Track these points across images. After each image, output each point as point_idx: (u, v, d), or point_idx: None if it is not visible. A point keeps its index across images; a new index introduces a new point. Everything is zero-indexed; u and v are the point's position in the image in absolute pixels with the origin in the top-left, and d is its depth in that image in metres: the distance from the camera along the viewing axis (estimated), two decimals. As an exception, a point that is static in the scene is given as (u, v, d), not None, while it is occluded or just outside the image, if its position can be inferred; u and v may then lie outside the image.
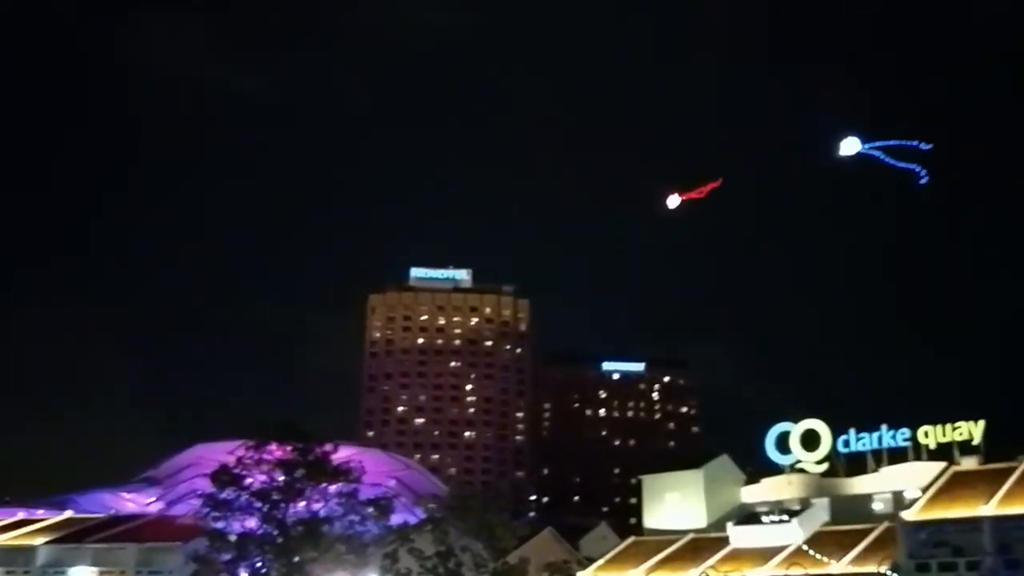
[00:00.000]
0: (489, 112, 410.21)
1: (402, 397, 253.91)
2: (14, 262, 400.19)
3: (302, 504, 77.48)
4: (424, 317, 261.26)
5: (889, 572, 63.82)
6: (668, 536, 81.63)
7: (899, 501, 74.86)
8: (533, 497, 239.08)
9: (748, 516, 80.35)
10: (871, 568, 65.21)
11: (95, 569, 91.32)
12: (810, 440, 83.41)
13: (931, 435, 77.81)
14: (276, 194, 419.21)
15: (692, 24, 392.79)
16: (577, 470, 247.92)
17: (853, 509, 77.11)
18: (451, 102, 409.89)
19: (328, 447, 79.66)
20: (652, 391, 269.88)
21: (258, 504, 76.77)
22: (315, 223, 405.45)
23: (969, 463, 73.53)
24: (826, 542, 71.22)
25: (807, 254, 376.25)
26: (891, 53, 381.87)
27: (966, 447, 75.64)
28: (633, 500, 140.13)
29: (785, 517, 75.63)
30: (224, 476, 77.35)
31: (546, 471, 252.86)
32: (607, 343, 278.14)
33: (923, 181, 46.62)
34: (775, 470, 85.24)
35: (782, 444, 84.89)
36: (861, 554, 67.65)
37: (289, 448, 78.05)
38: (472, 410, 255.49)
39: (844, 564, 66.89)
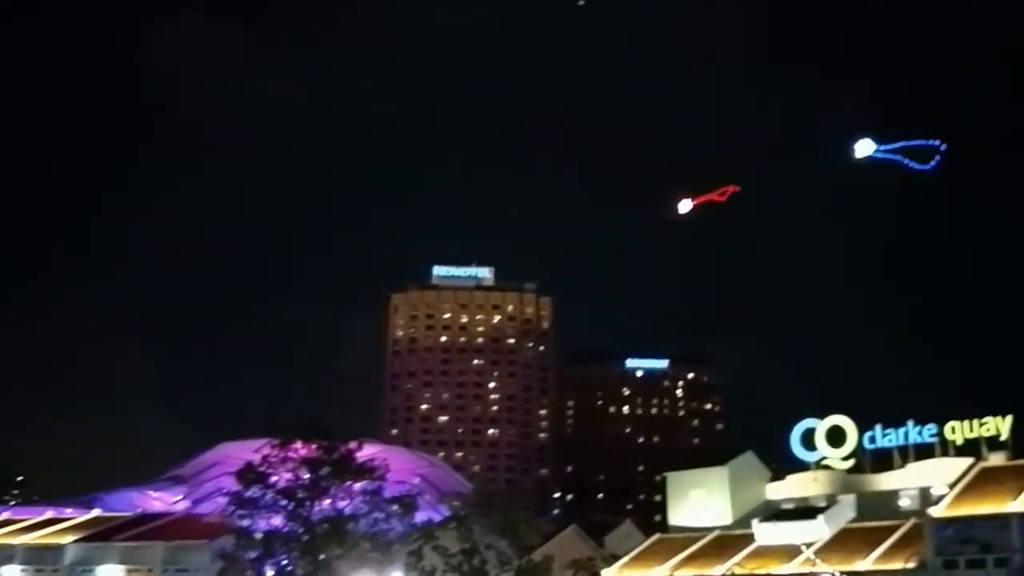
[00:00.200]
0: (497, 112, 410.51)
1: (425, 395, 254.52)
2: (40, 264, 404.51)
3: (327, 502, 77.71)
4: (447, 315, 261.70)
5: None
6: (693, 533, 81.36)
7: (926, 497, 74.29)
8: (557, 495, 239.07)
9: (774, 513, 79.99)
10: (898, 565, 64.79)
11: (123, 567, 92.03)
12: (836, 436, 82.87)
13: (958, 431, 77.16)
14: (296, 194, 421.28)
15: (692, 24, 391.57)
16: (601, 467, 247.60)
17: (880, 506, 76.56)
18: (464, 101, 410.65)
19: (352, 445, 79.92)
20: (676, 388, 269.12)
21: (283, 502, 77.08)
22: (339, 223, 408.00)
23: (997, 459, 72.89)
24: (852, 539, 70.76)
25: (827, 253, 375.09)
26: (891, 52, 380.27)
27: (994, 443, 74.95)
28: (658, 497, 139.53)
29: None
30: (250, 474, 77.72)
31: (570, 469, 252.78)
32: (630, 341, 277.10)
33: (932, 166, 46.33)
34: (800, 467, 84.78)
35: (807, 440, 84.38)
36: (888, 551, 67.17)
37: (314, 446, 78.31)
38: (495, 408, 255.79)
39: (871, 561, 66.45)
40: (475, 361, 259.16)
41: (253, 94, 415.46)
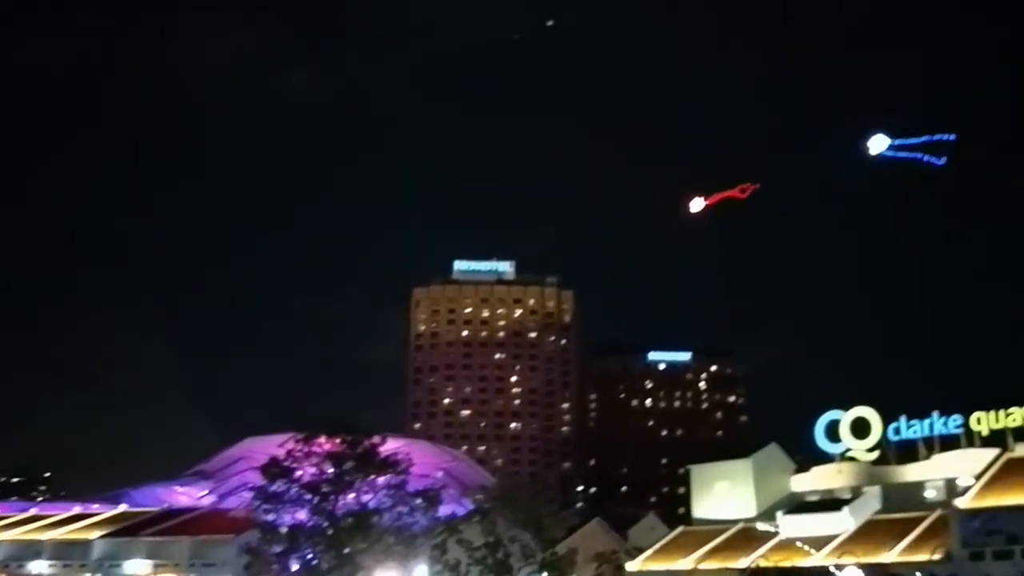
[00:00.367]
0: (518, 106, 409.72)
1: (448, 389, 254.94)
2: (68, 263, 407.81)
3: (351, 496, 78.07)
4: (468, 310, 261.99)
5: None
6: (718, 526, 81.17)
7: (952, 489, 73.81)
8: (580, 488, 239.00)
9: (798, 505, 79.69)
10: (924, 557, 64.42)
11: (149, 562, 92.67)
12: (860, 428, 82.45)
13: (984, 421, 76.61)
14: (317, 189, 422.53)
15: (696, 24, 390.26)
16: (624, 461, 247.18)
17: (905, 497, 76.14)
18: (485, 95, 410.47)
19: (376, 439, 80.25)
20: (699, 381, 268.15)
21: (308, 496, 77.49)
22: (361, 218, 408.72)
23: (1023, 449, 72.29)
24: (878, 531, 70.45)
25: (847, 248, 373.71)
26: (895, 51, 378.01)
27: (1020, 433, 74.40)
28: (681, 490, 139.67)
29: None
30: (274, 469, 78.18)
31: (593, 462, 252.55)
32: (652, 334, 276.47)
33: (941, 163, 46.10)
34: (825, 459, 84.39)
35: (832, 432, 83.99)
36: (913, 543, 66.80)
37: (338, 441, 78.63)
38: (518, 402, 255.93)
39: (896, 553, 66.11)
40: (497, 355, 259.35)
41: (276, 87, 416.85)
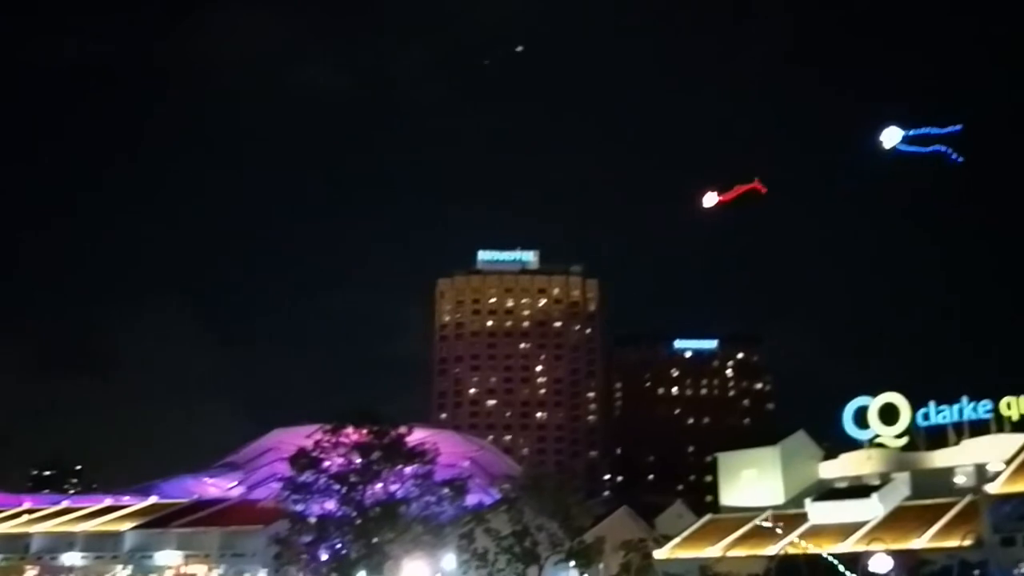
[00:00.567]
0: (537, 98, 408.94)
1: (473, 379, 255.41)
2: (95, 259, 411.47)
3: (379, 486, 78.35)
4: (492, 300, 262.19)
5: None
6: (745, 513, 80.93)
7: (982, 474, 73.19)
8: (607, 477, 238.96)
9: (827, 492, 79.32)
10: (954, 543, 63.94)
11: (180, 553, 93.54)
12: (889, 414, 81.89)
13: (1014, 406, 75.90)
14: (340, 182, 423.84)
15: (710, 23, 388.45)
16: (651, 449, 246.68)
17: (934, 483, 75.59)
18: (503, 86, 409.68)
19: (403, 430, 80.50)
20: (725, 368, 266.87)
21: (336, 487, 77.85)
22: (385, 210, 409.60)
23: (1054, 434, 71.65)
24: (907, 517, 70.01)
25: (872, 236, 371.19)
26: (905, 47, 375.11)
27: (1051, 418, 73.76)
28: (708, 478, 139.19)
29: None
30: (303, 460, 78.58)
31: (619, 451, 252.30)
32: (678, 323, 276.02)
33: (957, 159, 45.61)
34: (853, 445, 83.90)
35: (860, 419, 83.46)
36: (943, 529, 66.33)
37: (365, 431, 78.93)
38: (543, 391, 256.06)
39: (926, 539, 65.70)
40: (522, 345, 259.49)
41: (296, 80, 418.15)
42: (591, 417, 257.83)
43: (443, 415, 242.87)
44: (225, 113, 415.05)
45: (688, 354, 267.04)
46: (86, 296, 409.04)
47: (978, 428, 78.34)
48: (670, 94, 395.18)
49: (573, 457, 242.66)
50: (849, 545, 67.88)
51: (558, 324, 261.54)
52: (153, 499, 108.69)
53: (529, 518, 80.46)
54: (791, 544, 70.32)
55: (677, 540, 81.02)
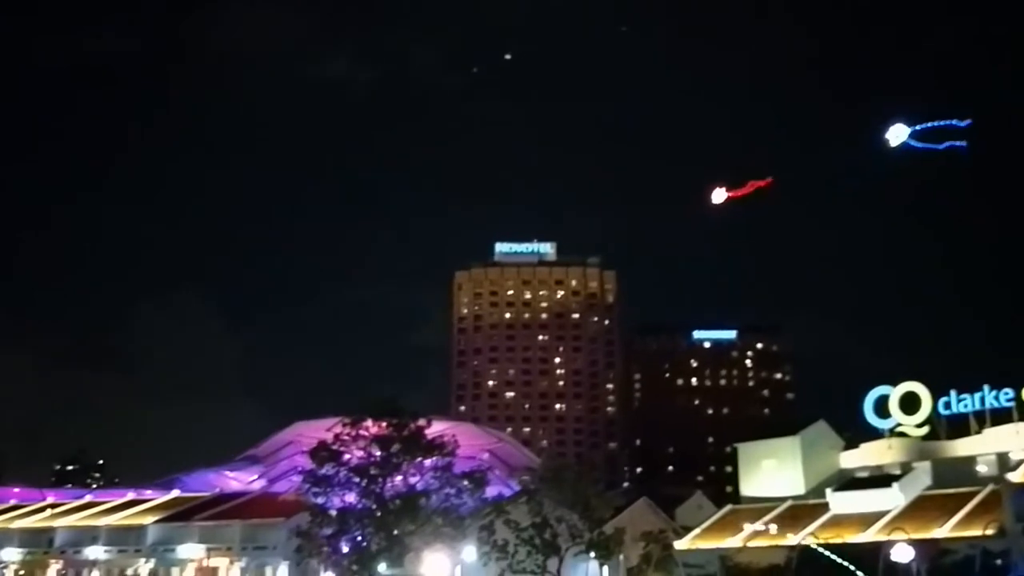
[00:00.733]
0: (551, 90, 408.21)
1: (492, 371, 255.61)
2: (117, 255, 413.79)
3: (399, 478, 78.56)
4: (510, 292, 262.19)
5: None
6: (766, 504, 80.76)
7: (1004, 463, 72.89)
8: (627, 468, 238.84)
9: (848, 482, 79.03)
10: (976, 532, 63.66)
11: (202, 546, 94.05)
12: (909, 403, 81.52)
13: (1036, 394, 75.45)
14: (358, 174, 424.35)
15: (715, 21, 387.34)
16: (670, 440, 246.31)
17: (956, 472, 75.28)
18: (521, 76, 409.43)
19: (422, 422, 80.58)
20: (745, 358, 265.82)
21: (356, 479, 78.05)
22: (402, 203, 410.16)
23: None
24: (929, 507, 69.72)
25: (889, 227, 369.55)
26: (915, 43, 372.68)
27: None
28: (728, 468, 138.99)
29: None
30: (323, 453, 78.83)
31: (639, 442, 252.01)
32: (696, 313, 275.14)
33: (963, 149, 45.31)
34: (874, 435, 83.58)
35: (881, 408, 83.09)
36: (965, 518, 66.02)
37: (384, 424, 79.11)
38: (561, 383, 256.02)
39: (948, 528, 65.40)
40: (540, 337, 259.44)
41: (315, 72, 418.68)
42: (610, 408, 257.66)
43: (462, 407, 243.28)
44: (241, 107, 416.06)
45: (707, 344, 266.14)
46: (108, 292, 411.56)
47: (1000, 416, 77.92)
48: (681, 89, 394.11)
49: (592, 448, 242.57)
50: (870, 535, 67.65)
51: (576, 316, 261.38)
52: (175, 493, 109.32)
53: (549, 510, 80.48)
54: (812, 535, 70.14)
55: (697, 531, 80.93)
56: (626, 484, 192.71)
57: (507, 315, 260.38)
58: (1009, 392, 77.15)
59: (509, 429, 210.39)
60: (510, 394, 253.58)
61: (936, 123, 45.85)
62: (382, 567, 77.61)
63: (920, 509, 69.64)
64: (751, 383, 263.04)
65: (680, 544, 79.71)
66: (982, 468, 76.13)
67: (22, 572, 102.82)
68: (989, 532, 63.00)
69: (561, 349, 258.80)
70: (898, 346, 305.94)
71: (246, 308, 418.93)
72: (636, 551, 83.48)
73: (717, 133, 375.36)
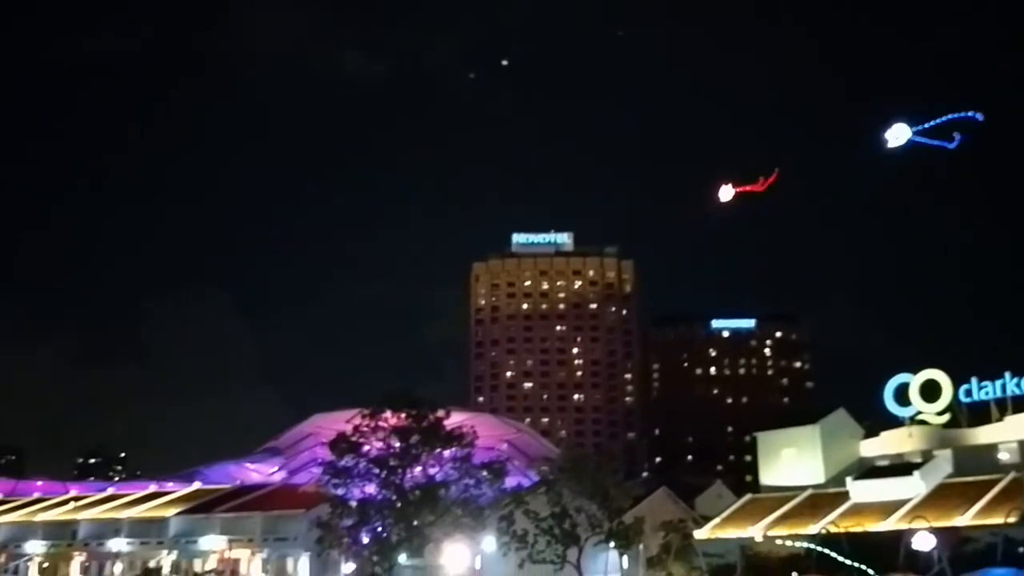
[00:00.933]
0: (566, 83, 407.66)
1: (510, 362, 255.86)
2: (137, 249, 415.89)
3: (418, 469, 78.80)
4: (527, 283, 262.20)
5: None
6: (786, 493, 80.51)
7: (1026, 451, 72.35)
8: (646, 457, 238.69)
9: (868, 470, 78.67)
10: (998, 520, 63.20)
11: (224, 538, 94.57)
12: (930, 391, 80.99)
13: (1058, 381, 74.87)
14: (374, 168, 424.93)
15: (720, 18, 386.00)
16: (689, 429, 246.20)
17: (977, 460, 74.74)
18: (533, 72, 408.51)
19: (440, 413, 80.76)
20: (764, 347, 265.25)
21: (376, 470, 78.34)
22: (419, 195, 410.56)
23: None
24: (950, 495, 69.32)
25: (908, 215, 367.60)
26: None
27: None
28: (748, 458, 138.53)
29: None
30: (343, 444, 79.10)
31: (658, 431, 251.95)
32: (715, 302, 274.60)
33: (953, 145, 44.72)
34: (894, 423, 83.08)
35: (901, 396, 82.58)
36: (987, 506, 65.59)
37: (403, 415, 79.30)
38: (580, 373, 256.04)
39: (969, 517, 65.04)
40: (558, 327, 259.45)
41: (328, 68, 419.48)
42: (628, 398, 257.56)
43: (480, 398, 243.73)
44: (255, 102, 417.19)
45: (725, 333, 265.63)
46: (128, 288, 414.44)
47: (1021, 404, 77.30)
48: (682, 89, 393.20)
49: (611, 438, 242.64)
50: (891, 523, 67.33)
51: (594, 306, 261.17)
52: (196, 485, 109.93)
53: (568, 500, 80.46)
54: (832, 523, 69.89)
55: (717, 520, 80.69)
56: (645, 474, 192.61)
57: (524, 306, 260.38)
58: (1031, 378, 76.60)
59: (527, 420, 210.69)
60: (528, 385, 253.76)
61: (951, 116, 45.33)
62: (402, 558, 77.95)
63: (941, 497, 69.24)
64: (770, 372, 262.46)
65: (700, 533, 79.50)
66: (1004, 456, 75.61)
67: (46, 564, 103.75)
68: (1011, 520, 62.54)
69: (579, 339, 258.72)
70: (917, 334, 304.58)
71: (262, 303, 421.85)
72: (656, 541, 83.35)
73: (725, 128, 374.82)
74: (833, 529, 68.37)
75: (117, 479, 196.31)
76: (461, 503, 77.55)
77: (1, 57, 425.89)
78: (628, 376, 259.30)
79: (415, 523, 76.78)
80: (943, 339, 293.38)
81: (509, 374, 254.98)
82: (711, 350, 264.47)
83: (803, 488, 79.56)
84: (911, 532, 61.77)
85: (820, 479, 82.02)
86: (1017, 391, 77.35)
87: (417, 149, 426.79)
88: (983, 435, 78.10)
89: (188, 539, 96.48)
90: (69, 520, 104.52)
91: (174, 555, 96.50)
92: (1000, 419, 77.58)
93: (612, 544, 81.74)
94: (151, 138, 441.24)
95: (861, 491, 73.75)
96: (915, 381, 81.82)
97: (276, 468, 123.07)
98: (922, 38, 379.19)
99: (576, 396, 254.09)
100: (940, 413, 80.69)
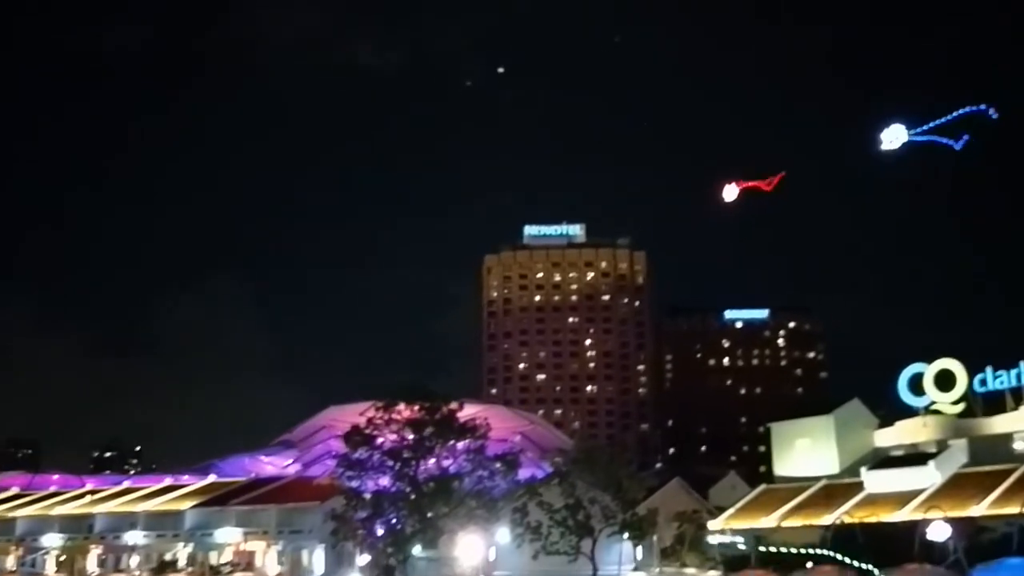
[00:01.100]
0: (581, 74, 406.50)
1: (522, 354, 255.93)
2: (153, 243, 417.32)
3: (432, 461, 78.89)
4: (540, 275, 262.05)
5: None
6: (800, 483, 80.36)
7: (1042, 440, 72.00)
8: (659, 449, 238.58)
9: (883, 460, 78.45)
10: (1014, 510, 62.95)
11: (239, 530, 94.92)
12: (944, 380, 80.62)
13: (1074, 370, 74.41)
14: (387, 160, 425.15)
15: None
16: (703, 421, 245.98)
17: (993, 450, 74.40)
18: (548, 63, 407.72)
19: (454, 405, 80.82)
20: (777, 338, 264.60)
21: (390, 463, 78.46)
22: (432, 187, 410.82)
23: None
24: (965, 485, 69.04)
25: (921, 207, 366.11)
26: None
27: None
28: (762, 448, 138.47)
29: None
30: (356, 437, 79.23)
31: (671, 423, 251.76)
32: (727, 293, 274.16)
33: (959, 145, 44.27)
34: (909, 413, 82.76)
35: (915, 386, 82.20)
36: (1002, 496, 65.25)
37: (417, 407, 79.41)
38: (592, 365, 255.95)
39: (985, 506, 64.78)
40: (570, 319, 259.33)
41: (341, 60, 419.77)
42: (641, 390, 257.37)
43: (493, 390, 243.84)
44: (267, 93, 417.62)
45: (739, 324, 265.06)
46: (143, 281, 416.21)
47: (1037, 393, 76.94)
48: (687, 86, 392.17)
49: (624, 430, 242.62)
50: (906, 513, 67.15)
51: (606, 297, 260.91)
52: (211, 478, 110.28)
53: (582, 491, 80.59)
54: (847, 513, 69.75)
55: (732, 511, 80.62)
56: (659, 465, 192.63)
57: (537, 298, 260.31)
58: (1047, 367, 76.18)
59: (540, 411, 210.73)
60: (541, 377, 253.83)
61: (964, 111, 44.92)
62: (417, 549, 78.12)
63: (956, 487, 68.98)
64: (784, 362, 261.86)
65: (714, 524, 79.53)
66: (1019, 445, 75.28)
67: (64, 557, 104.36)
68: (1027, 510, 62.34)
69: (592, 331, 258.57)
70: (931, 324, 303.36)
71: (275, 296, 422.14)
72: (670, 532, 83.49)
73: (728, 125, 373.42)
74: (847, 519, 68.27)
75: (133, 472, 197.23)
76: (475, 495, 77.64)
77: (1, 57, 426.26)
78: (641, 367, 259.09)
79: (429, 515, 76.92)
80: (958, 328, 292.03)
81: (522, 366, 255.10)
82: (724, 341, 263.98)
83: (817, 479, 79.39)
84: (926, 522, 61.68)
85: (834, 469, 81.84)
86: (1033, 380, 76.94)
87: (427, 142, 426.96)
88: (998, 424, 77.76)
89: (204, 532, 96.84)
90: (85, 513, 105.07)
91: (190, 548, 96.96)
92: (1015, 408, 77.22)
93: (626, 535, 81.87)
94: (162, 133, 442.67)
95: (876, 481, 73.56)
96: (930, 371, 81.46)
97: (290, 461, 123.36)
98: (923, 37, 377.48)
99: (589, 388, 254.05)
100: (955, 403, 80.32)
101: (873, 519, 67.33)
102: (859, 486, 74.21)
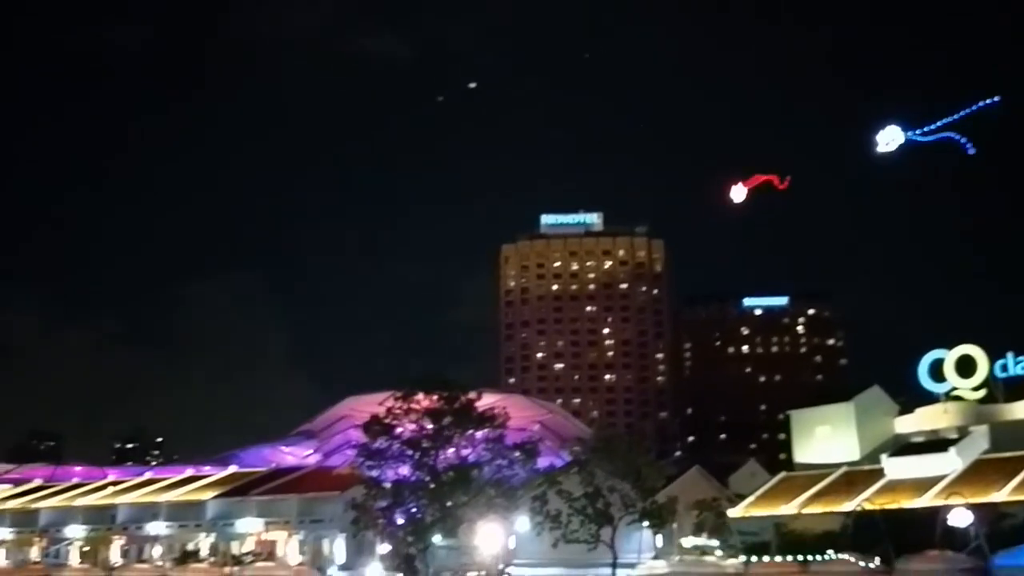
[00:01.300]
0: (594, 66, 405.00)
1: (540, 343, 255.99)
2: (170, 239, 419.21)
3: (451, 451, 79.02)
4: (557, 264, 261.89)
5: None
6: (820, 470, 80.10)
7: (1064, 425, 71.48)
8: (678, 437, 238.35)
9: (903, 447, 78.09)
10: (1037, 495, 62.66)
11: (260, 520, 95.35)
12: (965, 366, 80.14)
13: (1096, 355, 73.86)
14: (401, 153, 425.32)
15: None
16: (722, 408, 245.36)
17: (1014, 436, 73.84)
18: (561, 55, 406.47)
19: (472, 395, 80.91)
20: (796, 325, 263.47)
21: (409, 452, 78.65)
22: (448, 179, 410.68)
23: None
24: (986, 471, 68.65)
25: (938, 197, 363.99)
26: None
27: None
28: (782, 436, 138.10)
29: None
30: (376, 426, 79.49)
31: (690, 411, 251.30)
32: (746, 280, 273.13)
33: (969, 150, 43.76)
34: (930, 399, 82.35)
35: (936, 372, 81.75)
36: (1025, 481, 65.00)
37: (435, 397, 79.57)
38: (611, 353, 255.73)
39: (1007, 492, 64.41)
40: (588, 308, 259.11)
41: (353, 52, 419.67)
42: (660, 378, 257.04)
43: (511, 379, 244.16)
44: (280, 87, 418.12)
45: (758, 312, 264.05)
46: (163, 273, 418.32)
47: (1059, 378, 76.44)
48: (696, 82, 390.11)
49: (642, 418, 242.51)
50: (927, 500, 66.84)
51: (624, 286, 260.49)
52: (233, 468, 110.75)
53: (601, 480, 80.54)
54: (867, 501, 69.49)
55: (752, 498, 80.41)
56: (678, 453, 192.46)
57: (554, 287, 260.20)
58: (1068, 353, 75.65)
59: (559, 400, 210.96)
60: (559, 366, 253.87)
61: (972, 108, 44.46)
62: (437, 538, 78.35)
63: (978, 473, 68.59)
64: (803, 349, 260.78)
65: (734, 512, 79.35)
66: (1041, 431, 74.79)
67: (87, 548, 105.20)
68: (1049, 495, 61.98)
69: (609, 320, 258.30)
70: (952, 310, 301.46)
71: (297, 287, 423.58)
72: (689, 520, 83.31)
73: (729, 123, 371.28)
74: (868, 506, 67.99)
75: (154, 463, 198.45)
76: (494, 484, 77.77)
77: (1, 57, 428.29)
78: (660, 356, 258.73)
79: (449, 504, 77.10)
80: (978, 314, 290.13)
81: (540, 355, 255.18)
82: (743, 328, 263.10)
83: (838, 465, 79.07)
84: (947, 508, 61.37)
85: (855, 456, 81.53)
86: (1054, 365, 76.44)
87: (444, 132, 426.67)
88: (1020, 410, 77.32)
89: (225, 522, 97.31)
90: (108, 504, 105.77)
91: (212, 538, 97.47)
92: (1037, 394, 76.75)
93: (646, 523, 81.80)
94: (162, 133, 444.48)
95: (896, 468, 73.24)
96: (950, 357, 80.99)
97: (311, 451, 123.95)
98: (923, 37, 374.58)
99: (607, 376, 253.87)
100: (976, 389, 79.87)
101: (894, 506, 67.03)
102: (880, 473, 73.89)
